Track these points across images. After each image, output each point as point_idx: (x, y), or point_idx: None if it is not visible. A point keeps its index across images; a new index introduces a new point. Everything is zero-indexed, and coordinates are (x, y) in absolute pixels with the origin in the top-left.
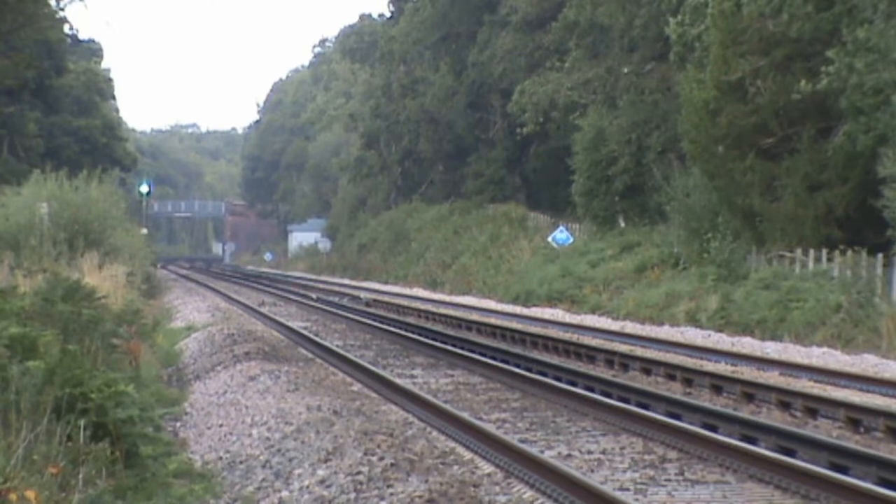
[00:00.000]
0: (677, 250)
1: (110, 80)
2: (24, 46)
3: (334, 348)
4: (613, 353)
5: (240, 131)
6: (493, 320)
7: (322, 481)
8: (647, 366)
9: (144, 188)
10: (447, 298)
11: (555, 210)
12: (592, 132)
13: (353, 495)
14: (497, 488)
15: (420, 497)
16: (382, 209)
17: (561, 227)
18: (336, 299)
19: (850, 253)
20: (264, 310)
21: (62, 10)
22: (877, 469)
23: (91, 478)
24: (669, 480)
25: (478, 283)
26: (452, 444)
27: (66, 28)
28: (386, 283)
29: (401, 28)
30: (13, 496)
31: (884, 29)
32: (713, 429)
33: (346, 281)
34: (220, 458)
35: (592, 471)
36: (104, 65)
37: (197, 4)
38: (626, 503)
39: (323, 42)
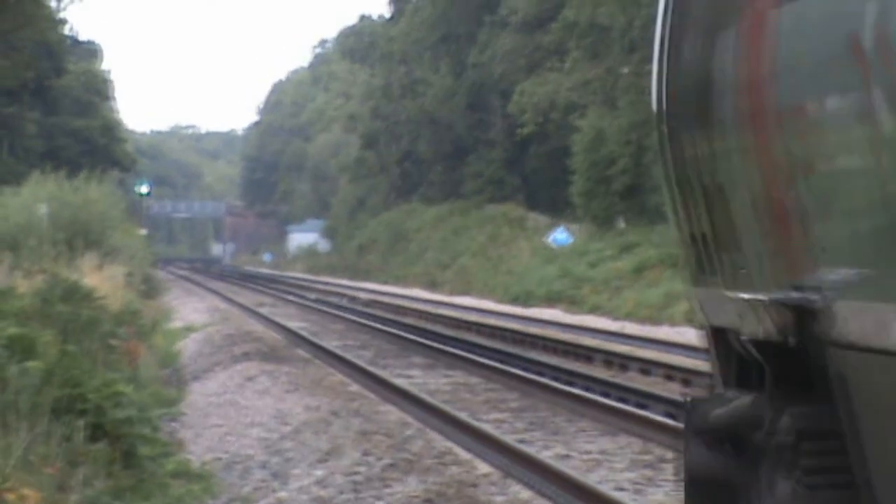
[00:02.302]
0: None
1: (110, 81)
2: (24, 47)
3: (332, 349)
4: (612, 353)
5: (239, 132)
6: (491, 321)
7: (320, 481)
8: (646, 366)
9: (143, 189)
10: (446, 299)
11: (554, 210)
12: (592, 133)
13: (350, 495)
14: (494, 488)
15: (418, 497)
16: (381, 210)
17: (560, 228)
18: (335, 300)
19: None
20: (263, 310)
21: (62, 10)
22: None
23: (89, 478)
24: (667, 481)
25: (477, 283)
26: (450, 445)
27: (65, 29)
28: (385, 283)
29: (400, 28)
30: (11, 496)
31: None
32: None
33: (345, 282)
34: (219, 458)
35: (590, 471)
36: (103, 66)
37: (196, 6)
38: (623, 503)
39: (322, 43)
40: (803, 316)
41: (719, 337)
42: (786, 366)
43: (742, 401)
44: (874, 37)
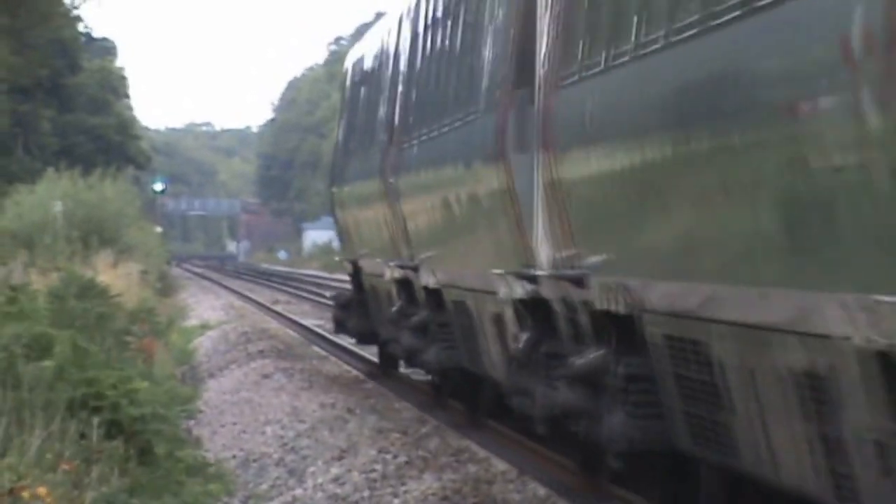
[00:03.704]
0: None
1: (124, 78)
2: (38, 45)
3: (348, 346)
4: None
5: (254, 129)
6: None
7: (336, 479)
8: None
9: (159, 186)
10: None
11: None
12: None
13: (366, 493)
14: (511, 486)
15: (434, 495)
16: None
17: None
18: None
19: None
20: (278, 308)
21: (76, 7)
22: None
23: (105, 475)
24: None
25: None
26: (467, 442)
27: (80, 26)
28: None
29: None
30: (26, 494)
31: None
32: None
33: None
34: (234, 455)
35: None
36: (118, 63)
37: (211, 3)
38: None
39: (338, 40)
40: (356, 264)
41: (352, 274)
42: (357, 280)
43: (351, 293)
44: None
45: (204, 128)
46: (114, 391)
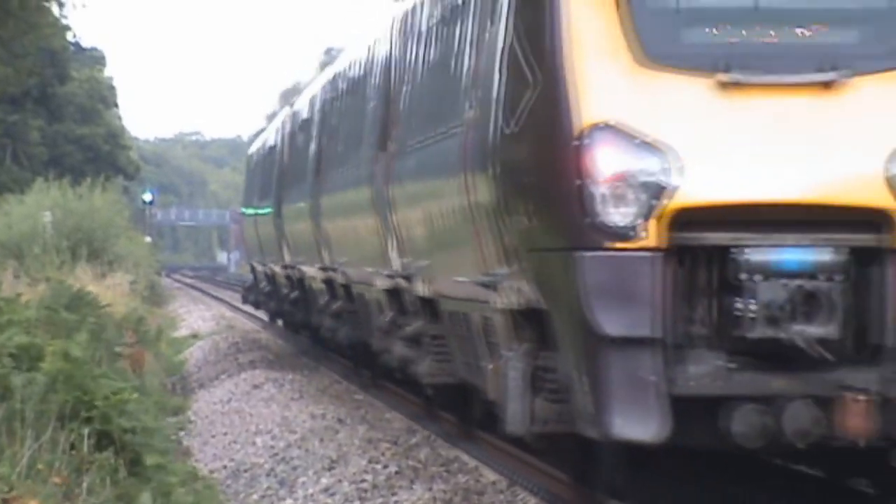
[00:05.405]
0: None
1: (113, 88)
2: (27, 54)
3: (339, 357)
4: None
5: (244, 139)
6: None
7: (326, 489)
8: None
9: (148, 196)
10: None
11: None
12: None
13: (357, 503)
14: (501, 496)
15: None
16: None
17: None
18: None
19: None
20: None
21: (65, 17)
22: None
23: (95, 486)
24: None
25: None
26: (457, 453)
27: (69, 36)
28: None
29: None
30: None
31: None
32: None
33: None
34: (225, 466)
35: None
36: (107, 73)
37: (202, 12)
38: None
39: (329, 51)
40: (252, 264)
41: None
42: (253, 273)
43: (252, 282)
44: None
45: (193, 137)
46: (104, 402)
